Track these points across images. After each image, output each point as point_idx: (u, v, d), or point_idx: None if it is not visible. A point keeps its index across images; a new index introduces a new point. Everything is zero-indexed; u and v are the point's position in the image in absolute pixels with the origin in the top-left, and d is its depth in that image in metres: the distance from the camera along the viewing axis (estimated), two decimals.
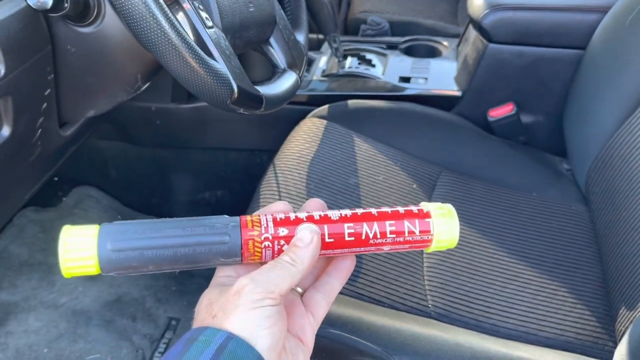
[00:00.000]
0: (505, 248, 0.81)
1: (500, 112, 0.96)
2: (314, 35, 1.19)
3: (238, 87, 0.61)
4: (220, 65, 0.60)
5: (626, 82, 0.82)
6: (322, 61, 1.15)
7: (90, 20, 0.63)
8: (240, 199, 1.15)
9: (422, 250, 0.81)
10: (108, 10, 0.62)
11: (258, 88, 0.67)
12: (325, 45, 1.19)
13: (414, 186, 0.89)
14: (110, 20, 0.63)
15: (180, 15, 0.59)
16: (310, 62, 1.15)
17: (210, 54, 0.60)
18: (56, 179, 1.19)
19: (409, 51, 1.15)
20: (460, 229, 0.82)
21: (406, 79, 1.07)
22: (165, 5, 0.54)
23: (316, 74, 1.11)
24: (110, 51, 0.67)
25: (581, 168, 0.90)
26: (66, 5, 0.56)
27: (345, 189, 0.85)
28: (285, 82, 0.73)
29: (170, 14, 0.54)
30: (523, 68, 0.94)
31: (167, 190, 1.18)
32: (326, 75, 1.10)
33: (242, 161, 1.15)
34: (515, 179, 0.92)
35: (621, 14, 0.84)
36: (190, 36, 0.59)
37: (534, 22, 0.92)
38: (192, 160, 1.16)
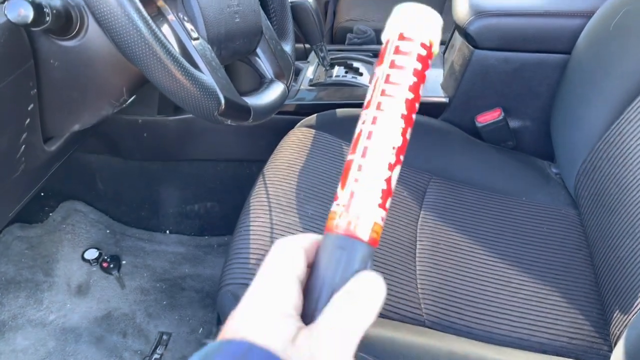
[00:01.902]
0: (496, 254, 0.81)
1: (487, 117, 0.96)
2: (300, 45, 1.19)
3: (225, 98, 0.61)
4: (206, 77, 0.60)
5: (612, 86, 0.82)
6: (310, 70, 1.15)
7: (73, 33, 0.62)
8: (230, 210, 1.14)
9: (414, 258, 0.80)
10: (91, 23, 0.62)
11: (245, 99, 0.67)
12: (313, 55, 1.19)
13: (405, 194, 0.88)
14: (93, 33, 0.63)
15: (165, 27, 0.59)
16: (298, 72, 1.14)
17: (196, 66, 0.60)
18: (42, 193, 1.17)
19: None
20: (452, 235, 0.83)
21: None
22: (149, 18, 0.53)
23: (304, 83, 1.11)
24: (95, 65, 0.66)
25: (570, 172, 0.90)
26: (47, 19, 0.55)
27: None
28: (272, 93, 0.73)
29: (154, 27, 0.53)
30: (509, 73, 0.94)
31: (156, 202, 1.17)
32: (314, 84, 1.10)
33: (231, 172, 1.14)
34: (504, 184, 0.92)
35: (605, 18, 0.85)
36: (176, 48, 0.59)
37: (519, 27, 0.92)
38: (180, 172, 1.15)
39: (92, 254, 1.11)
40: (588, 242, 0.83)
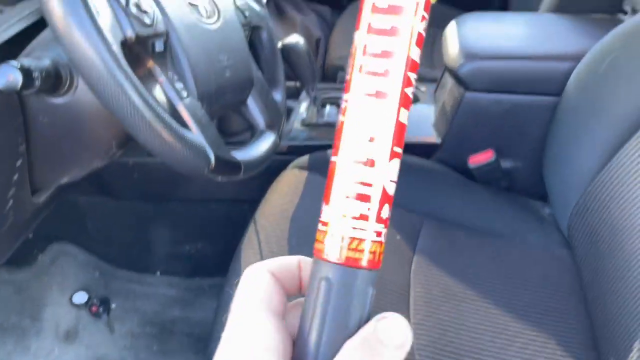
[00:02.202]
0: (492, 299, 0.80)
1: (480, 158, 0.96)
2: (292, 83, 1.19)
3: (215, 156, 0.60)
4: (196, 136, 0.59)
5: (602, 130, 0.83)
6: (302, 109, 1.15)
7: (63, 91, 0.62)
8: (221, 251, 1.12)
9: (408, 306, 0.79)
10: (81, 80, 0.61)
11: (236, 153, 0.66)
12: (304, 93, 1.19)
13: (398, 237, 0.88)
14: (83, 90, 0.62)
15: (156, 89, 0.58)
16: (290, 111, 1.14)
17: (186, 125, 0.59)
18: (31, 235, 1.16)
19: None
20: (447, 281, 0.82)
21: None
22: (139, 84, 0.53)
23: (296, 123, 1.11)
24: (84, 120, 0.65)
25: (562, 213, 0.90)
26: (37, 83, 0.55)
27: None
28: (263, 144, 0.73)
29: (144, 92, 0.53)
30: (501, 115, 0.95)
31: (147, 243, 1.16)
32: (306, 124, 1.10)
33: (223, 212, 1.13)
34: (498, 225, 0.92)
35: (594, 62, 0.85)
36: (166, 109, 0.58)
37: (509, 70, 0.92)
38: (171, 213, 1.14)
39: (81, 297, 1.09)
40: (583, 286, 0.83)
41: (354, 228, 0.24)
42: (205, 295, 1.14)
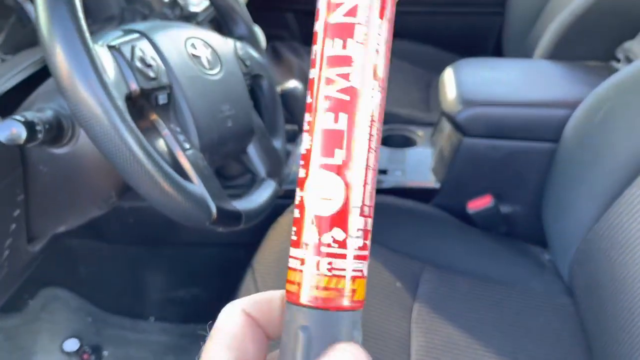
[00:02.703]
0: (494, 349, 0.79)
1: (479, 204, 0.97)
2: (290, 127, 1.20)
3: (217, 207, 0.60)
4: (198, 188, 0.59)
5: (600, 177, 0.83)
6: (300, 152, 1.15)
7: (65, 141, 0.62)
8: (216, 296, 1.11)
9: (409, 357, 0.78)
10: (82, 130, 0.61)
11: (236, 203, 0.66)
12: (302, 136, 1.19)
13: (398, 284, 0.87)
14: (84, 140, 0.62)
15: (160, 142, 0.58)
16: (288, 154, 1.14)
17: (187, 177, 0.59)
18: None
19: (385, 141, 1.16)
20: (448, 329, 0.81)
21: (383, 171, 1.07)
22: (141, 136, 0.52)
23: (294, 167, 1.11)
24: (84, 170, 0.65)
25: (563, 260, 0.90)
26: (40, 136, 0.54)
27: None
28: (264, 193, 0.72)
29: (146, 145, 0.53)
30: (499, 160, 0.95)
31: (140, 288, 1.14)
32: None
33: (218, 257, 1.12)
34: (498, 272, 0.91)
35: (590, 110, 0.87)
36: (168, 161, 0.58)
37: (507, 117, 0.93)
38: (166, 257, 1.12)
39: (72, 344, 1.07)
40: (586, 335, 0.82)
41: (331, 264, 0.22)
42: (199, 342, 1.11)
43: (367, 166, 0.23)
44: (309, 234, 0.22)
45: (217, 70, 0.67)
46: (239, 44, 0.75)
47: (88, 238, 1.11)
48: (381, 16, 0.23)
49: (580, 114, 0.88)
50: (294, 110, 1.01)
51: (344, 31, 0.23)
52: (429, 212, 1.00)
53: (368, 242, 0.23)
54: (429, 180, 1.05)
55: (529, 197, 0.97)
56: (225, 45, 0.71)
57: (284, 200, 1.05)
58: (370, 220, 0.23)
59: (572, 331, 0.83)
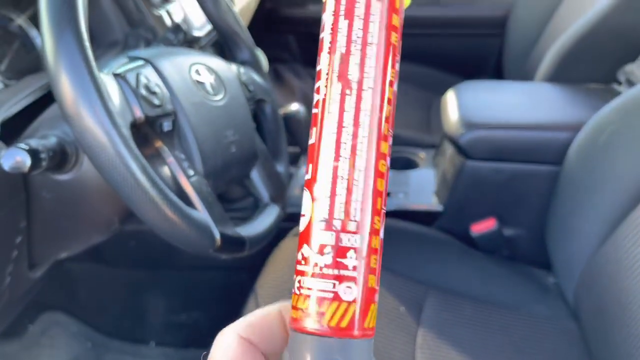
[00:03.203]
0: None
1: (482, 227, 0.96)
2: (291, 149, 1.20)
3: (221, 234, 0.60)
4: (202, 215, 0.58)
5: (604, 201, 0.83)
6: (301, 175, 1.15)
7: (69, 168, 0.61)
8: (218, 321, 1.09)
9: None
10: (86, 157, 0.61)
11: (240, 229, 0.65)
12: (304, 159, 1.19)
13: (402, 309, 0.86)
14: (88, 166, 0.62)
15: (164, 169, 0.58)
16: (290, 176, 1.14)
17: (192, 204, 0.59)
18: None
19: None
20: (453, 355, 0.80)
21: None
22: (146, 164, 0.52)
23: (296, 189, 1.11)
24: (87, 196, 0.64)
25: (568, 283, 0.89)
26: (44, 163, 0.54)
27: None
28: (267, 218, 0.72)
29: (151, 172, 0.52)
30: (502, 183, 0.95)
31: (141, 312, 1.13)
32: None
33: (220, 281, 1.11)
34: (503, 296, 0.91)
35: (593, 134, 0.87)
36: (172, 188, 0.57)
37: (510, 140, 0.93)
38: (167, 281, 1.11)
39: None
40: None
41: (300, 282, 0.21)
42: None
43: (336, 176, 0.22)
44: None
45: (221, 96, 0.67)
46: (242, 69, 0.75)
47: (88, 262, 1.10)
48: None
49: (584, 137, 0.88)
50: (296, 133, 1.01)
51: None
52: (432, 235, 0.99)
53: (349, 261, 0.22)
54: (432, 203, 1.04)
55: (532, 220, 0.97)
56: (229, 70, 0.71)
57: (286, 223, 1.04)
58: (350, 236, 0.22)
59: (579, 357, 0.82)
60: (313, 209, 0.22)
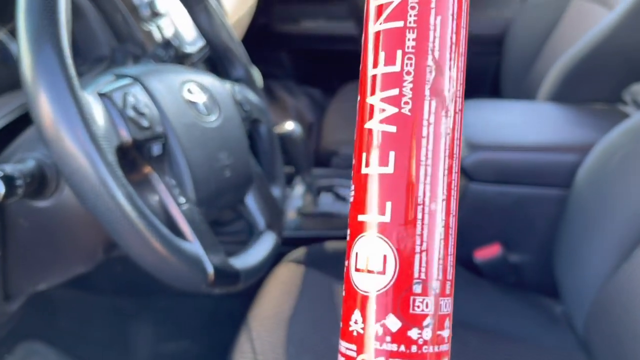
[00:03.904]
0: None
1: (486, 253, 0.92)
2: (286, 168, 1.15)
3: (214, 267, 0.55)
4: (194, 247, 0.53)
5: (616, 228, 0.79)
6: (297, 196, 1.10)
7: (48, 194, 0.56)
8: (208, 350, 1.04)
9: None
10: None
11: (234, 260, 0.60)
12: (298, 179, 1.15)
13: None
14: (69, 193, 0.56)
15: (152, 196, 0.53)
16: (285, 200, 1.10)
17: (183, 235, 0.54)
18: None
19: None
20: None
21: None
22: (133, 192, 0.47)
23: (291, 212, 1.06)
24: (69, 224, 0.59)
25: (577, 312, 0.85)
26: (19, 191, 0.49)
27: (330, 351, 0.76)
28: (264, 247, 0.67)
29: (138, 202, 0.48)
30: (507, 207, 0.91)
31: (126, 342, 1.07)
32: (301, 213, 1.05)
33: (211, 308, 1.05)
34: (510, 326, 0.86)
35: (603, 157, 0.83)
36: (162, 218, 0.53)
37: (515, 161, 0.90)
38: (154, 308, 1.06)
39: None
40: None
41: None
42: None
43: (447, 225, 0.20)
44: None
45: (215, 116, 0.62)
46: (236, 87, 0.70)
47: (70, 288, 1.04)
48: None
49: (593, 160, 0.84)
50: (291, 153, 0.97)
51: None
52: None
53: (446, 333, 0.20)
54: None
55: (539, 246, 0.93)
56: (223, 88, 0.66)
57: (281, 247, 0.99)
58: (447, 302, 0.20)
59: None
60: (397, 264, 0.19)
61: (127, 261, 0.99)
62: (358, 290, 0.19)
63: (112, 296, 1.05)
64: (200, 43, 0.92)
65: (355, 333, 0.19)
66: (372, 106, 0.19)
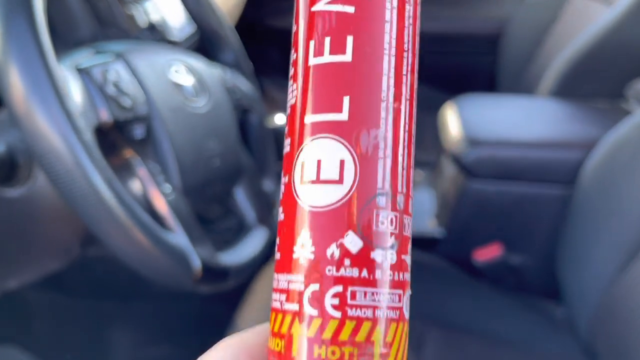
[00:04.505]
0: None
1: (486, 254, 0.88)
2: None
3: (201, 262, 0.50)
4: (180, 239, 0.49)
5: (623, 227, 0.76)
6: None
7: (19, 182, 0.51)
8: (192, 356, 0.99)
9: None
10: (41, 170, 0.51)
11: (223, 256, 0.56)
12: None
13: None
14: (42, 181, 0.51)
15: (135, 183, 0.48)
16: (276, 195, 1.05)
17: (168, 227, 0.49)
18: None
19: None
20: None
21: None
22: (113, 176, 0.43)
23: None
24: (42, 217, 0.54)
25: (580, 316, 0.81)
26: None
27: None
28: (254, 243, 0.63)
29: (118, 186, 0.43)
30: (508, 205, 0.87)
31: (105, 347, 1.01)
32: None
33: (195, 311, 1.00)
34: (511, 332, 0.82)
35: (610, 155, 0.80)
36: (144, 207, 0.48)
37: (518, 158, 0.86)
38: (135, 312, 1.00)
39: None
40: None
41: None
42: None
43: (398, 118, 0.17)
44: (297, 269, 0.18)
45: (203, 101, 0.58)
46: (228, 73, 0.66)
47: (46, 290, 0.99)
48: None
49: (600, 157, 0.81)
50: (282, 147, 0.92)
51: None
52: (432, 263, 0.91)
53: (408, 258, 0.18)
54: (432, 228, 0.96)
55: (540, 247, 0.89)
56: (213, 73, 0.62)
57: (270, 248, 0.95)
58: (409, 220, 0.17)
59: None
60: (358, 171, 0.15)
61: (107, 261, 0.94)
62: (304, 207, 0.16)
63: (90, 299, 1.00)
64: (189, 30, 0.87)
65: (301, 260, 0.16)
66: None
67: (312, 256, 0.16)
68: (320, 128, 0.16)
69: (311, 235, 0.16)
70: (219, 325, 0.82)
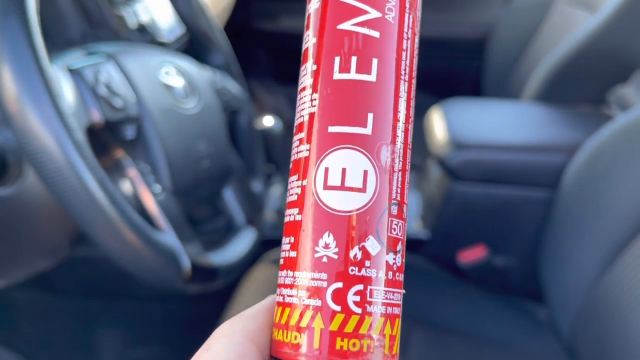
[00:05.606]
0: None
1: (471, 255, 0.89)
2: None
3: (190, 261, 0.51)
4: (169, 239, 0.49)
5: (604, 228, 0.77)
6: (274, 196, 1.06)
7: (9, 181, 0.51)
8: (180, 356, 0.99)
9: None
10: (31, 169, 0.51)
11: (212, 256, 0.56)
12: (277, 178, 1.11)
13: None
14: (33, 180, 0.52)
15: (125, 184, 0.49)
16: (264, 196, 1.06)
17: (158, 227, 0.50)
18: None
19: None
20: None
21: None
22: (104, 176, 0.43)
23: (268, 211, 1.02)
24: (32, 216, 0.54)
25: (563, 317, 0.83)
26: None
27: None
28: (242, 243, 0.63)
29: (109, 186, 0.43)
30: (493, 208, 0.89)
31: (92, 348, 1.01)
32: (279, 213, 1.01)
33: (184, 312, 1.00)
34: (495, 332, 0.84)
35: (591, 158, 0.82)
36: (134, 207, 0.48)
37: (503, 161, 0.88)
38: (123, 312, 1.00)
39: None
40: None
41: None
42: None
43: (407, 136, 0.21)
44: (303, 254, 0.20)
45: (193, 103, 0.58)
46: (217, 75, 0.67)
47: (33, 289, 0.98)
48: None
49: (582, 161, 0.82)
50: (271, 149, 0.93)
51: None
52: (417, 264, 0.92)
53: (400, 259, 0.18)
54: (417, 229, 0.97)
55: (524, 249, 0.91)
56: (202, 75, 0.63)
57: (258, 248, 0.95)
58: (402, 225, 0.19)
59: None
60: (378, 182, 0.17)
61: (94, 261, 0.94)
62: (329, 210, 0.17)
63: (77, 299, 1.00)
64: (178, 31, 0.87)
65: (325, 259, 0.17)
66: (346, 6, 0.18)
67: (335, 257, 0.17)
68: (345, 139, 0.18)
69: (335, 237, 0.17)
70: (206, 325, 0.81)
